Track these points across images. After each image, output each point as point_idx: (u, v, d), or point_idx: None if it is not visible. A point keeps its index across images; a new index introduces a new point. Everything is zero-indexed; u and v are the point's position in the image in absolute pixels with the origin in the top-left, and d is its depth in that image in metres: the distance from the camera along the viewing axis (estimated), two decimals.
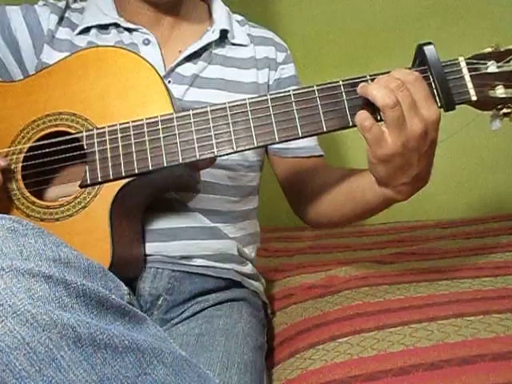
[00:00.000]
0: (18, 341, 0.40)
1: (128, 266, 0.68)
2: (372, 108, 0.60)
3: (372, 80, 0.63)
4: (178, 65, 0.79)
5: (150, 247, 0.72)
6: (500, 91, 0.62)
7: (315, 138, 0.90)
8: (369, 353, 0.63)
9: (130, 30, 0.81)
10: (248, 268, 0.82)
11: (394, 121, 0.57)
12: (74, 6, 0.84)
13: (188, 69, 0.80)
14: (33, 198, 0.66)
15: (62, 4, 0.83)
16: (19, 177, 0.67)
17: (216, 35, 0.83)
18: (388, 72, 0.62)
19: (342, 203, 0.76)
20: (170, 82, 0.78)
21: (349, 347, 0.66)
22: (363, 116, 0.59)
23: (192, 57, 0.81)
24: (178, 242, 0.73)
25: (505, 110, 0.63)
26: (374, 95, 0.58)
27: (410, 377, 0.57)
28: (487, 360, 0.57)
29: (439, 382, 0.56)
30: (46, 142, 0.67)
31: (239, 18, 0.91)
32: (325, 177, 0.82)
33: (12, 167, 0.67)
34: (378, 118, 0.60)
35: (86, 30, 0.80)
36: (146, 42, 0.80)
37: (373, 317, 0.72)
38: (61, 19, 0.81)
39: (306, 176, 0.86)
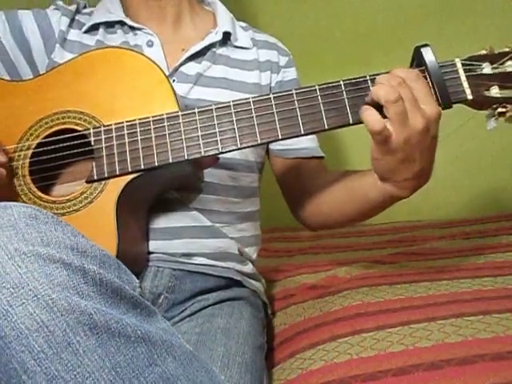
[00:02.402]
0: (37, 324, 0.41)
1: (131, 263, 0.68)
2: (376, 108, 0.61)
3: (372, 80, 0.64)
4: (182, 64, 0.81)
5: (152, 245, 0.72)
6: (495, 91, 0.64)
7: (316, 140, 0.91)
8: (369, 353, 0.63)
9: (134, 29, 0.82)
10: (248, 267, 0.82)
11: (398, 116, 0.58)
12: (84, 10, 0.87)
13: (192, 68, 0.81)
14: (39, 194, 0.67)
15: (72, 8, 0.85)
16: (26, 172, 0.68)
17: (219, 36, 0.84)
18: (388, 72, 0.63)
19: (343, 203, 0.76)
20: (174, 80, 0.79)
21: (349, 347, 0.66)
22: (374, 118, 0.59)
23: (196, 56, 0.82)
24: (179, 241, 0.73)
25: (500, 110, 0.64)
26: (378, 94, 0.59)
27: (410, 377, 0.57)
28: (487, 360, 0.57)
29: (439, 382, 0.56)
30: (53, 138, 0.68)
31: (243, 24, 0.93)
32: (325, 178, 0.82)
33: (20, 163, 0.68)
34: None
35: (95, 29, 0.82)
36: (150, 44, 0.81)
37: (373, 317, 0.72)
38: (71, 21, 0.83)
39: (306, 177, 0.86)
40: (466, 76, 0.64)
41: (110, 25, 0.83)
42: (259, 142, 0.64)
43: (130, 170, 0.65)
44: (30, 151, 0.68)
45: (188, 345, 0.64)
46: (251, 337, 0.72)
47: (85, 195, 0.66)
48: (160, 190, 0.73)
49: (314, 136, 0.90)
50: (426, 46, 0.64)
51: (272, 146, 0.88)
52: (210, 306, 0.75)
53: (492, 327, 0.63)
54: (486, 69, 0.64)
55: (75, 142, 0.67)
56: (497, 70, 0.64)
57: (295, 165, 0.88)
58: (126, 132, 0.66)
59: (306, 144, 0.88)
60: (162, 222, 0.73)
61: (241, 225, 0.82)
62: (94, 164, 0.66)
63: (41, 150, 0.68)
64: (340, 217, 0.79)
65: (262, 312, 0.84)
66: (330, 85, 0.64)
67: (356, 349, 0.65)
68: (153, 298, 0.71)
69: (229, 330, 0.70)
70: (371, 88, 0.62)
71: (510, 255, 0.90)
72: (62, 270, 0.44)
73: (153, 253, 0.72)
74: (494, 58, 0.65)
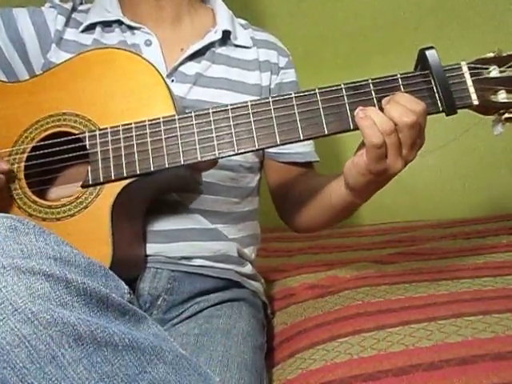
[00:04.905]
0: (18, 339, 0.41)
1: (128, 267, 0.68)
2: None
3: (374, 84, 0.63)
4: (181, 64, 0.80)
5: (151, 248, 0.72)
6: (502, 96, 0.62)
7: (312, 143, 0.90)
8: (369, 353, 0.63)
9: (132, 29, 0.81)
10: (247, 268, 0.82)
11: (376, 157, 0.59)
12: (80, 7, 0.85)
13: (191, 68, 0.80)
14: (35, 198, 0.66)
15: (68, 5, 0.84)
16: (22, 176, 0.67)
17: (218, 35, 0.83)
18: (391, 76, 0.62)
19: (313, 205, 0.79)
20: (173, 80, 0.78)
21: (349, 347, 0.66)
22: (373, 131, 0.58)
23: (195, 55, 0.81)
24: (178, 244, 0.73)
25: (507, 115, 0.62)
26: (364, 131, 0.59)
27: (410, 377, 0.57)
28: (487, 360, 0.57)
29: (439, 382, 0.56)
30: (48, 142, 0.67)
31: (243, 21, 0.92)
32: (310, 181, 0.83)
33: (15, 167, 0.67)
34: None
35: (91, 28, 0.81)
36: (148, 43, 0.80)
37: (373, 317, 0.72)
38: (68, 20, 0.82)
39: (293, 181, 0.87)
40: (473, 80, 0.62)
41: (107, 24, 0.82)
42: (257, 147, 0.63)
43: (125, 175, 0.64)
44: (25, 155, 0.67)
45: (187, 346, 0.64)
46: (251, 337, 0.72)
47: (80, 200, 0.65)
48: (157, 194, 0.72)
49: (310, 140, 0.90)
50: (430, 48, 0.63)
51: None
52: (209, 307, 0.74)
53: (492, 327, 0.63)
54: (493, 72, 0.62)
55: (70, 145, 0.66)
56: (504, 74, 0.62)
57: (286, 169, 0.88)
58: (121, 136, 0.65)
59: (301, 149, 0.87)
60: (161, 225, 0.73)
61: (239, 225, 0.82)
62: (89, 168, 0.65)
63: (36, 153, 0.67)
64: (312, 219, 0.81)
65: (261, 312, 0.84)
66: (331, 88, 0.63)
67: (356, 349, 0.65)
68: (151, 300, 0.71)
69: (228, 330, 0.70)
70: (372, 92, 0.62)
71: (510, 255, 0.90)
72: (43, 282, 0.43)
73: (151, 255, 0.72)
74: (502, 61, 0.62)
